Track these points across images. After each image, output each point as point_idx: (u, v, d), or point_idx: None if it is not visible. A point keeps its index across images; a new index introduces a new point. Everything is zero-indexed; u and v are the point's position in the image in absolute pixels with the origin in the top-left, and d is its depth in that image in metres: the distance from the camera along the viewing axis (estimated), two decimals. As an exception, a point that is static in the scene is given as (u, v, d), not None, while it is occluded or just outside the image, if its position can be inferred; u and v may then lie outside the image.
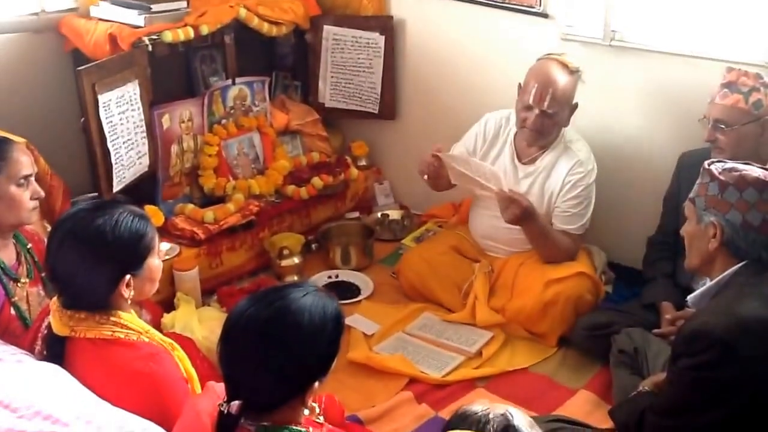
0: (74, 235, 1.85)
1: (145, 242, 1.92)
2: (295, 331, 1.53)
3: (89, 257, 1.84)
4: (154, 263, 1.97)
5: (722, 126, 2.61)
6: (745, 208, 1.93)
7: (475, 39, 3.58)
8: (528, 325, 3.03)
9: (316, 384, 1.58)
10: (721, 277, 1.99)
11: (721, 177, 1.96)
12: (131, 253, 1.89)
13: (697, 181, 2.04)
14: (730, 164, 1.99)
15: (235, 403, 1.51)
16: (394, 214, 3.98)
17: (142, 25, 3.08)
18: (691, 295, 2.10)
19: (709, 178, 1.99)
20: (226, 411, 1.52)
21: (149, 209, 3.13)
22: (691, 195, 2.06)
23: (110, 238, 1.85)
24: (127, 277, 1.88)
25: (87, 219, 1.86)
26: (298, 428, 1.55)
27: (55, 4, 3.24)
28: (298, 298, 1.57)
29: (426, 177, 3.12)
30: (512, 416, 1.37)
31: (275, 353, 1.52)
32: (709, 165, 2.02)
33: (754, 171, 1.95)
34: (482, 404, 1.41)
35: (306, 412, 1.60)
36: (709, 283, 2.04)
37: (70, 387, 1.70)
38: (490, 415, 1.36)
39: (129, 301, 1.92)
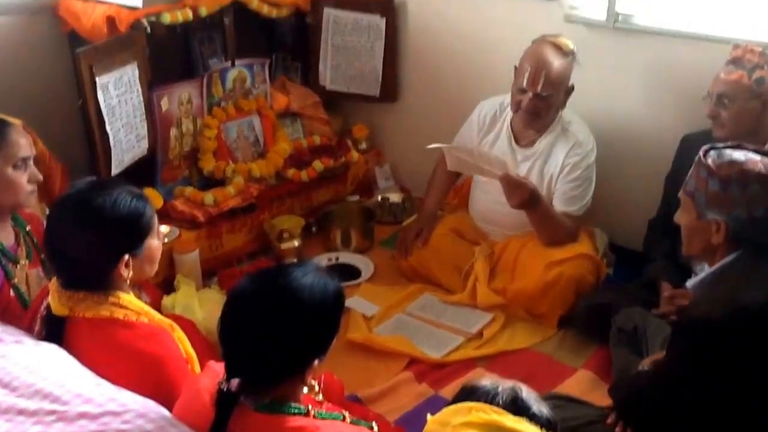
0: (73, 213, 1.84)
1: (144, 221, 1.91)
2: (295, 309, 1.53)
3: (88, 236, 1.83)
4: (154, 244, 1.96)
5: (725, 101, 2.60)
6: (750, 202, 1.90)
7: (477, 21, 3.56)
8: (529, 306, 3.03)
9: (316, 362, 1.58)
10: (721, 263, 1.98)
11: (722, 173, 1.91)
12: (130, 233, 1.89)
13: (693, 173, 2.00)
14: (726, 154, 1.94)
15: (235, 381, 1.51)
16: (395, 197, 3.97)
17: (140, 6, 3.06)
18: (690, 281, 2.10)
19: (707, 173, 1.94)
20: (225, 389, 1.52)
21: (148, 192, 3.13)
22: (687, 188, 2.02)
23: (109, 217, 1.84)
24: (126, 256, 1.87)
25: (86, 198, 1.85)
26: (298, 405, 1.55)
27: (53, -14, 3.22)
28: (299, 276, 1.57)
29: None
30: (521, 389, 1.41)
31: (275, 331, 1.52)
32: (705, 157, 1.97)
33: (753, 163, 1.91)
34: (490, 379, 1.43)
35: (305, 390, 1.60)
36: (708, 269, 2.04)
37: (69, 366, 1.70)
38: (499, 389, 1.39)
39: (128, 282, 1.91)
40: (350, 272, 3.42)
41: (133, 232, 1.90)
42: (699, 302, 1.99)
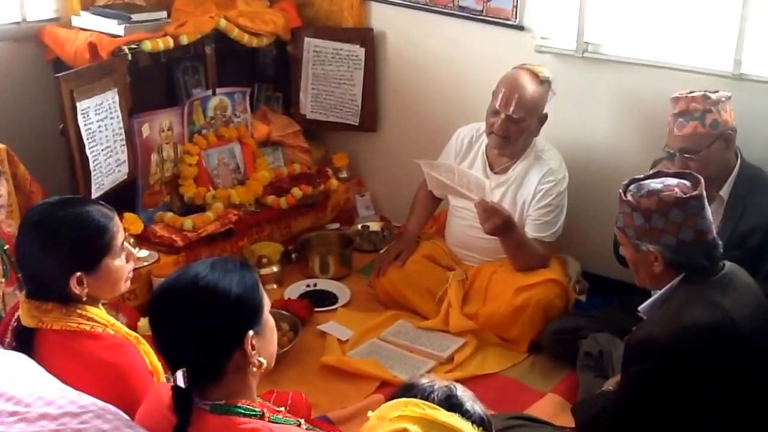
0: (33, 223, 1.86)
1: (102, 241, 1.88)
2: (195, 283, 1.55)
3: (39, 246, 1.84)
4: (113, 264, 1.92)
5: (688, 155, 2.59)
6: (676, 229, 1.96)
7: (454, 51, 3.64)
8: (499, 331, 3.07)
9: (250, 333, 1.57)
10: (667, 287, 2.04)
11: (642, 206, 1.98)
12: (82, 250, 1.86)
13: (620, 209, 2.07)
14: (644, 186, 2.01)
15: (179, 375, 1.53)
16: (375, 226, 4.02)
17: (122, 34, 3.13)
18: (642, 305, 2.15)
19: (630, 208, 2.01)
20: (173, 383, 1.54)
21: (129, 217, 3.18)
22: (618, 224, 2.09)
23: (62, 231, 1.83)
24: (78, 273, 1.85)
25: (49, 210, 1.87)
26: (253, 407, 1.57)
27: (37, 14, 3.30)
28: (201, 262, 1.62)
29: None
30: (455, 388, 1.45)
31: (186, 310, 1.55)
32: (624, 193, 2.04)
33: (669, 189, 1.97)
34: (427, 378, 1.49)
35: (254, 369, 1.60)
36: (657, 293, 2.09)
37: (33, 372, 1.72)
38: (435, 386, 1.43)
39: (84, 298, 1.88)
40: (327, 298, 3.45)
41: (87, 249, 1.87)
42: (645, 324, 2.05)
